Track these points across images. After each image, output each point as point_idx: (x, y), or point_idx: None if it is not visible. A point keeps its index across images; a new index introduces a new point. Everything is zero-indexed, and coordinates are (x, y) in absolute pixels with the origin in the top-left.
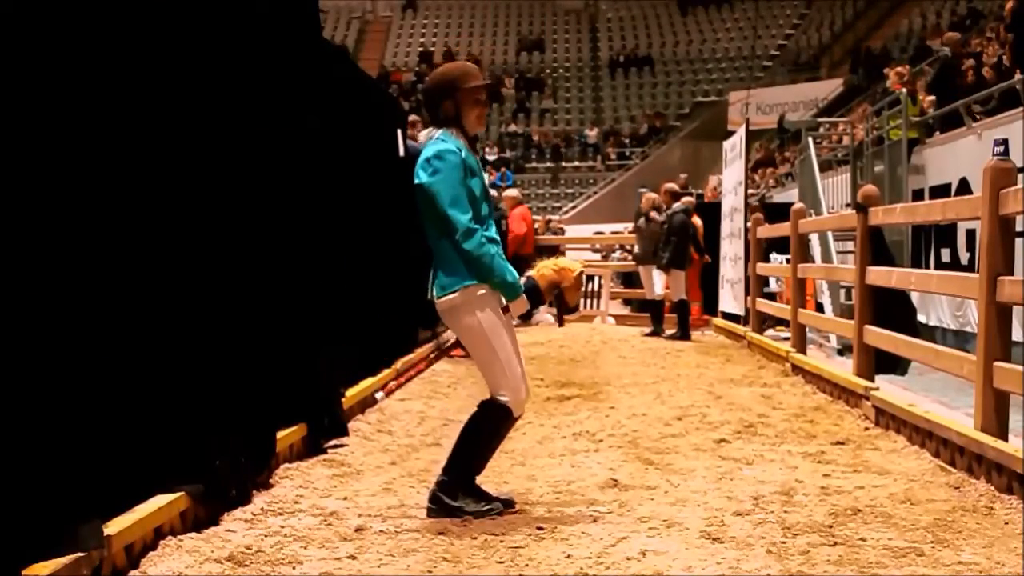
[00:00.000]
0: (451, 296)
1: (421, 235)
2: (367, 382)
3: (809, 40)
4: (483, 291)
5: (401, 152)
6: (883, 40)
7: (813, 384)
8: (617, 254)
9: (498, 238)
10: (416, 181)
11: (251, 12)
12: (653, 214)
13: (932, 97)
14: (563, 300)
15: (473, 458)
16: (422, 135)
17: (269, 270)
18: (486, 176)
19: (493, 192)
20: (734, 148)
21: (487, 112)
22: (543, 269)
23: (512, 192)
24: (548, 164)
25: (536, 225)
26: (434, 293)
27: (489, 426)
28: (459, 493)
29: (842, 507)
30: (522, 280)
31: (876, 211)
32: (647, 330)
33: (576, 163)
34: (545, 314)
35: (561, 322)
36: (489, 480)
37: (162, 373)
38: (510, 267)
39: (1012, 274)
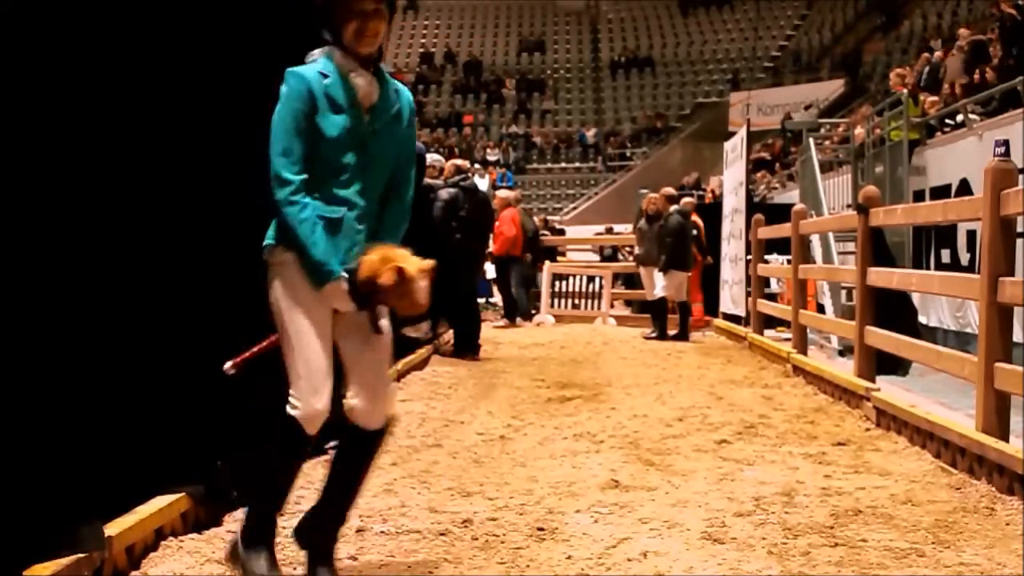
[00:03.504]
0: (264, 254)
1: (421, 235)
2: None
3: (810, 41)
4: (287, 259)
5: None
6: (884, 41)
7: (814, 385)
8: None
9: (360, 203)
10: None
11: (251, 12)
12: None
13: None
14: (386, 303)
15: (260, 494)
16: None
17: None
18: (486, 178)
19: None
20: (735, 149)
21: (380, 29)
22: (366, 258)
23: (503, 192)
24: (549, 165)
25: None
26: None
27: (270, 448)
28: (249, 540)
29: (843, 508)
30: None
31: (877, 212)
32: (648, 331)
33: (577, 164)
34: (546, 314)
35: (376, 327)
36: (490, 481)
37: (163, 373)
38: (330, 241)
39: (1013, 275)
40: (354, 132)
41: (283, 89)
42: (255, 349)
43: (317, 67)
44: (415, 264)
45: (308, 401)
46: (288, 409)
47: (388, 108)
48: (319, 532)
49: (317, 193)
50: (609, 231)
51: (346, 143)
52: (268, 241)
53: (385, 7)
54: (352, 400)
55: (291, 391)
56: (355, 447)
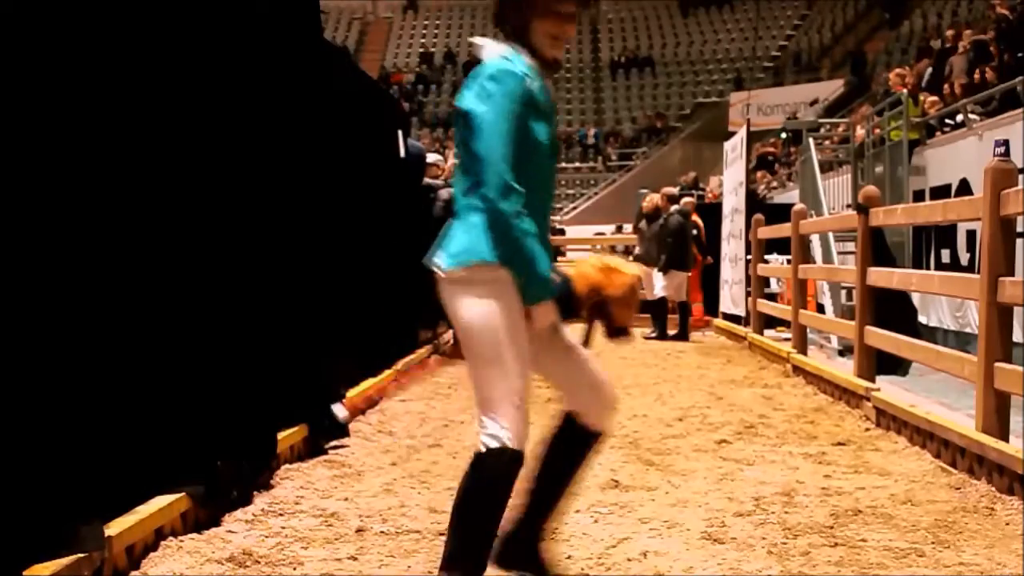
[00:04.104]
0: (458, 270)
1: (420, 236)
2: (368, 382)
3: (810, 41)
4: (501, 277)
5: (402, 153)
6: (884, 41)
7: (814, 385)
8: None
9: (547, 213)
10: (458, 104)
11: (251, 12)
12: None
13: (934, 97)
14: (606, 315)
15: (475, 537)
16: (479, 44)
17: (270, 271)
18: None
19: None
20: (735, 149)
21: (571, 35)
22: (583, 267)
23: None
24: None
25: None
26: (438, 260)
27: (485, 484)
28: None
29: (843, 508)
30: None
31: (877, 212)
32: (648, 331)
33: (577, 164)
34: None
35: (587, 342)
36: None
37: (163, 374)
38: (546, 257)
39: (1013, 275)
40: (552, 140)
41: (492, 87)
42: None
43: (521, 67)
44: (633, 271)
45: (518, 427)
46: (490, 441)
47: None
48: (532, 538)
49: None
50: (619, 230)
51: (547, 151)
52: (477, 258)
53: (579, 13)
54: (583, 408)
55: (492, 417)
56: (578, 448)
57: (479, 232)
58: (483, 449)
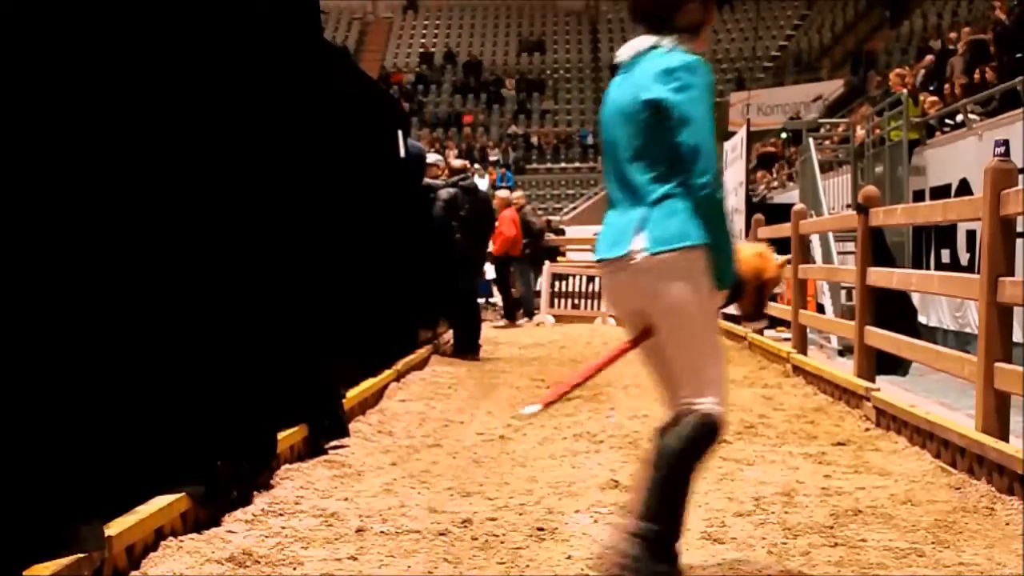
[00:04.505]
0: (668, 255)
1: (420, 236)
2: (368, 382)
3: (810, 41)
4: (704, 260)
5: (402, 153)
6: (884, 41)
7: (814, 385)
8: None
9: None
10: (647, 96)
11: (252, 12)
12: None
13: (934, 97)
14: (760, 298)
15: (681, 496)
16: (636, 44)
17: (270, 271)
18: (486, 178)
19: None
20: (735, 149)
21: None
22: (742, 253)
23: (503, 193)
24: (549, 165)
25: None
26: (639, 245)
27: (700, 449)
28: (668, 551)
29: (843, 508)
30: None
31: (877, 212)
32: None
33: (577, 164)
34: (546, 314)
35: (754, 320)
36: (490, 481)
37: (163, 374)
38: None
39: (1013, 275)
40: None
41: (691, 79)
42: (600, 365)
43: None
44: (777, 258)
45: (723, 402)
46: (709, 409)
47: None
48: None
49: None
50: None
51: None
52: (688, 242)
53: None
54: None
55: (707, 394)
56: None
57: (685, 217)
58: (705, 417)
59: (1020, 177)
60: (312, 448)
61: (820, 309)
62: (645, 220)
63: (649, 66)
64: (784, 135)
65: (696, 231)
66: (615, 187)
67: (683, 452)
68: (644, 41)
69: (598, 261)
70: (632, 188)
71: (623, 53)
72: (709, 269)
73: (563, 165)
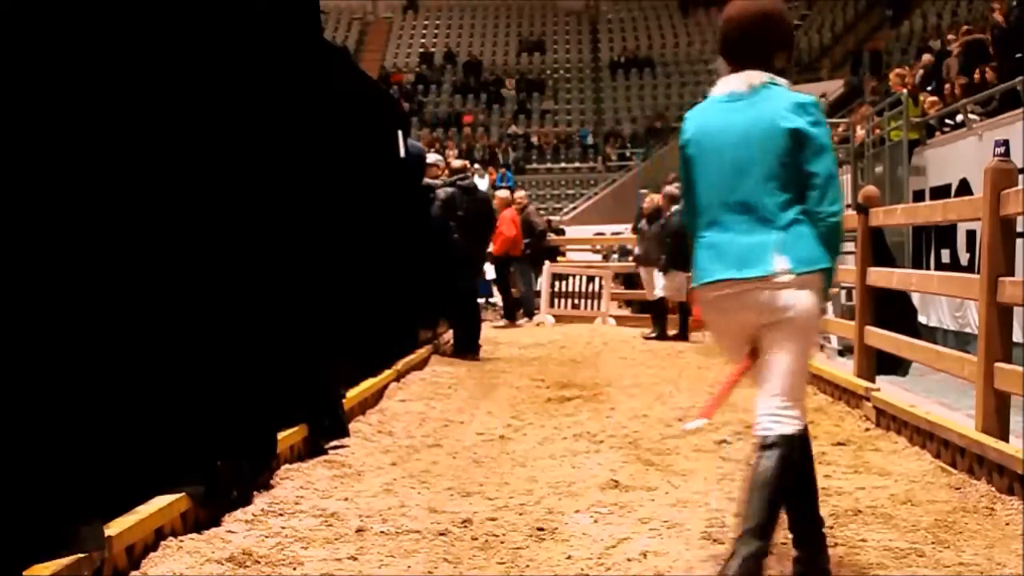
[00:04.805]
0: (808, 276)
1: (420, 236)
2: (368, 382)
3: (810, 41)
4: (823, 283)
5: (402, 153)
6: (885, 41)
7: (814, 385)
8: (616, 256)
9: None
10: (788, 125)
11: (252, 13)
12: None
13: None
14: None
15: (778, 507)
16: (748, 77)
17: (270, 271)
18: (486, 178)
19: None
20: None
21: None
22: None
23: (503, 193)
24: (549, 165)
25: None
26: (783, 265)
27: (794, 462)
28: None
29: (843, 508)
30: None
31: (877, 212)
32: (648, 331)
33: (577, 164)
34: (546, 314)
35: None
36: (490, 481)
37: (163, 374)
38: None
39: (1013, 275)
40: None
41: (820, 116)
42: (729, 384)
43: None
44: None
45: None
46: (796, 427)
47: None
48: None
49: None
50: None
51: None
52: (821, 264)
53: None
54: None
55: (794, 405)
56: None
57: (813, 241)
58: (792, 432)
59: (1020, 177)
60: (312, 448)
61: None
62: (782, 243)
63: (778, 98)
64: None
65: (823, 255)
66: (723, 207)
67: (778, 470)
68: (757, 76)
69: (715, 281)
70: (754, 208)
71: (737, 83)
72: (824, 289)
73: (563, 165)
